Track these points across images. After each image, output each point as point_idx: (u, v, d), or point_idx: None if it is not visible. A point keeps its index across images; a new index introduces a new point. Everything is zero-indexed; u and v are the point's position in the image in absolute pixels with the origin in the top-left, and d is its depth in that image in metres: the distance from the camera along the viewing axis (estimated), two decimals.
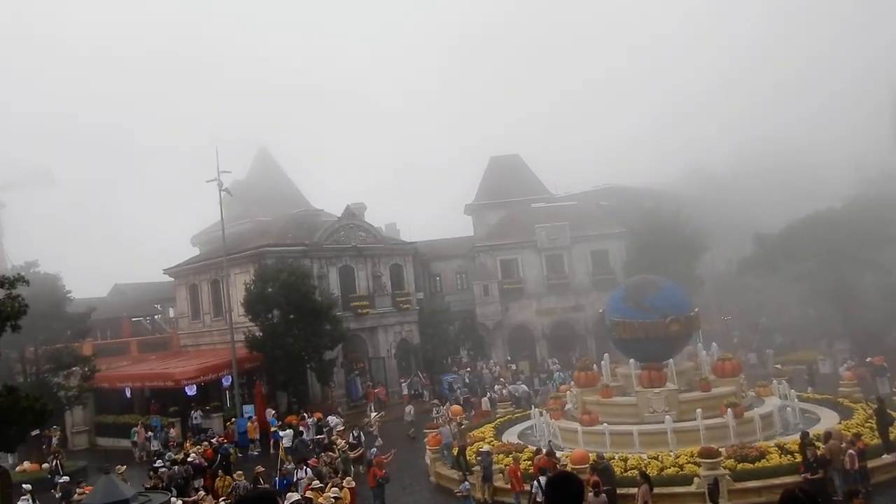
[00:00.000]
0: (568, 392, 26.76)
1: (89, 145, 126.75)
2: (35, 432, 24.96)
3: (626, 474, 18.13)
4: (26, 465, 29.68)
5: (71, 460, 31.61)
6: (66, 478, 23.81)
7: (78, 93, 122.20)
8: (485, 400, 33.43)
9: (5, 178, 64.79)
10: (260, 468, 21.41)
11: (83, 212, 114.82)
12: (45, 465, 29.76)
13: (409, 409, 32.40)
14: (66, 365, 32.33)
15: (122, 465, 24.13)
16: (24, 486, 21.50)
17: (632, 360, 23.94)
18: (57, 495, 22.09)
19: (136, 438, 32.64)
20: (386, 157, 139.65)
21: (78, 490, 21.29)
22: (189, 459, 24.10)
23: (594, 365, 26.87)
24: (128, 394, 38.53)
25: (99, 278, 63.30)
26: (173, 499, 17.70)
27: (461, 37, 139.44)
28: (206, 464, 24.02)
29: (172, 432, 32.81)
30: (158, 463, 24.00)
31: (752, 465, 17.91)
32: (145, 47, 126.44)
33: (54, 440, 33.68)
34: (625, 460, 19.02)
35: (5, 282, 13.13)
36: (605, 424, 21.94)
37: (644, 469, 17.70)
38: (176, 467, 23.15)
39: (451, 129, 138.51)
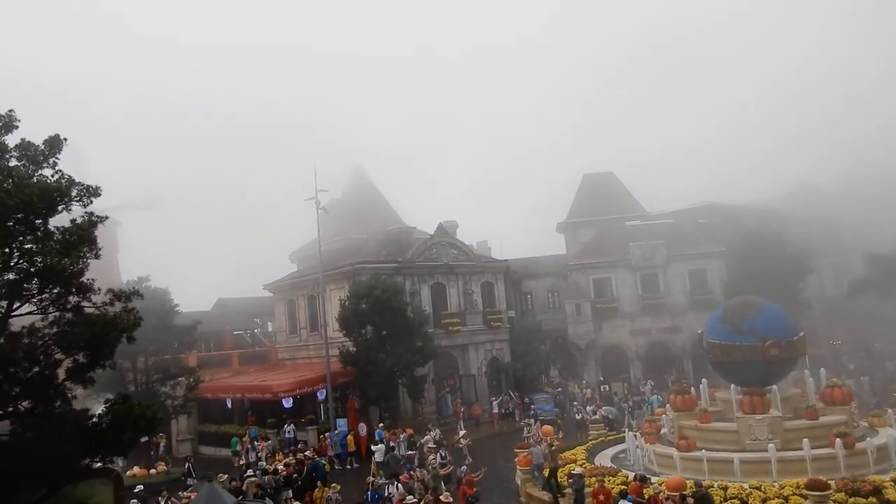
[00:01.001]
0: (663, 416, 25.96)
1: (194, 165, 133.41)
2: (143, 439, 26.25)
3: (725, 503, 17.40)
4: (135, 469, 31.16)
5: (176, 467, 33.12)
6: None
7: (177, 112, 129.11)
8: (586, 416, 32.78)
9: (120, 199, 68.75)
10: (371, 479, 21.80)
11: (189, 229, 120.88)
12: (153, 471, 31.37)
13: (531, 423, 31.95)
14: (173, 375, 34.05)
15: (224, 474, 25.05)
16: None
17: (732, 385, 23.03)
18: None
19: (238, 448, 33.74)
20: (478, 175, 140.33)
21: (183, 495, 22.26)
22: (279, 470, 24.81)
23: (691, 388, 26.00)
24: (229, 404, 40.02)
25: (204, 293, 66.30)
26: None
27: (553, 57, 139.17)
28: (294, 475, 24.58)
29: (271, 443, 33.72)
30: (248, 472, 24.88)
31: (864, 500, 16.80)
32: (239, 70, 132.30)
33: (161, 446, 35.43)
34: (724, 489, 18.24)
35: (122, 295, 13.97)
36: (703, 451, 21.15)
37: (745, 499, 16.93)
38: (266, 477, 23.90)
39: (542, 147, 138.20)
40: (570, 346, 48.08)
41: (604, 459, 24.44)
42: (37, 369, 13.57)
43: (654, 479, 19.60)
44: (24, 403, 13.76)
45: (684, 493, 17.12)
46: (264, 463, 27.75)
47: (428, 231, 45.76)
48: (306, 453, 27.85)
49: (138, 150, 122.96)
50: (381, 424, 33.10)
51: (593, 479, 20.42)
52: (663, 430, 24.79)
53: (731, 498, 17.58)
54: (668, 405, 26.54)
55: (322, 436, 33.73)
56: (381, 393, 35.21)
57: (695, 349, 40.44)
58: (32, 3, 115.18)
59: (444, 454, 25.77)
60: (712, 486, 18.19)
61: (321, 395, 36.83)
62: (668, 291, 48.00)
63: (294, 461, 26.28)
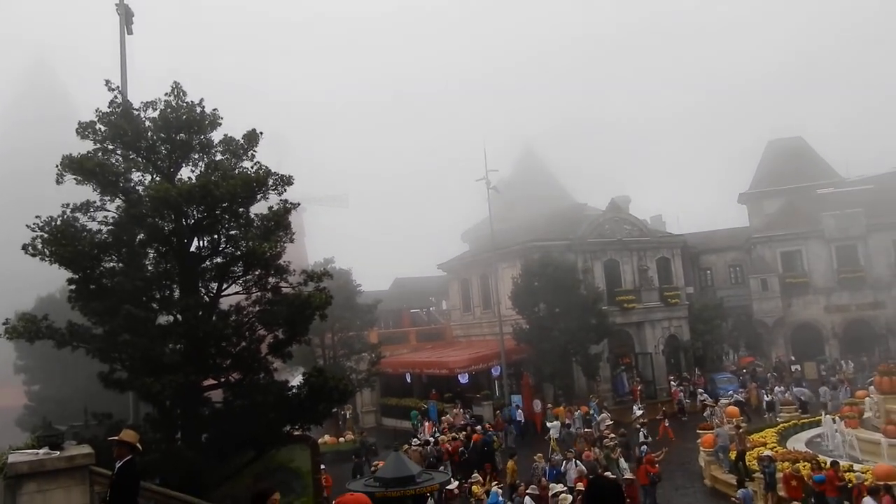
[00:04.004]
0: (867, 399, 23.92)
1: (365, 152, 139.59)
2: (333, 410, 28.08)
3: None
4: (326, 437, 33.36)
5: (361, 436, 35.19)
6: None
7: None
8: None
9: (312, 192, 73.45)
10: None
11: (367, 212, 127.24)
12: (342, 439, 33.48)
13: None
14: (357, 351, 36.22)
15: (406, 445, 26.29)
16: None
17: None
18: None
19: (417, 420, 35.09)
20: (651, 147, 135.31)
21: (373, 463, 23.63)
22: (439, 441, 26.08)
23: None
24: (408, 379, 41.85)
25: (382, 273, 69.54)
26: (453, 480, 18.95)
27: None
28: (461, 448, 25.33)
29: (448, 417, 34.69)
30: (415, 442, 26.33)
31: None
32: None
33: (348, 416, 37.78)
34: None
35: (314, 276, 15.02)
36: None
37: None
38: (429, 447, 25.09)
39: (720, 116, 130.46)
40: (756, 324, 45.38)
41: (797, 444, 22.97)
42: (243, 344, 14.93)
43: (857, 467, 18.17)
44: (234, 375, 15.20)
45: (891, 483, 15.72)
46: (427, 436, 28.76)
47: (599, 207, 44.86)
48: (478, 427, 28.47)
49: (321, 135, 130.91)
50: (597, 400, 33.20)
51: (786, 463, 19.29)
52: (867, 415, 22.86)
53: None
54: (871, 387, 24.49)
55: (497, 411, 34.32)
56: (556, 370, 35.17)
57: None
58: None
59: (646, 433, 25.25)
60: None
61: (496, 372, 37.50)
62: (870, 264, 43.84)
63: (462, 436, 27.03)
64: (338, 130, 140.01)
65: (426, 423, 33.07)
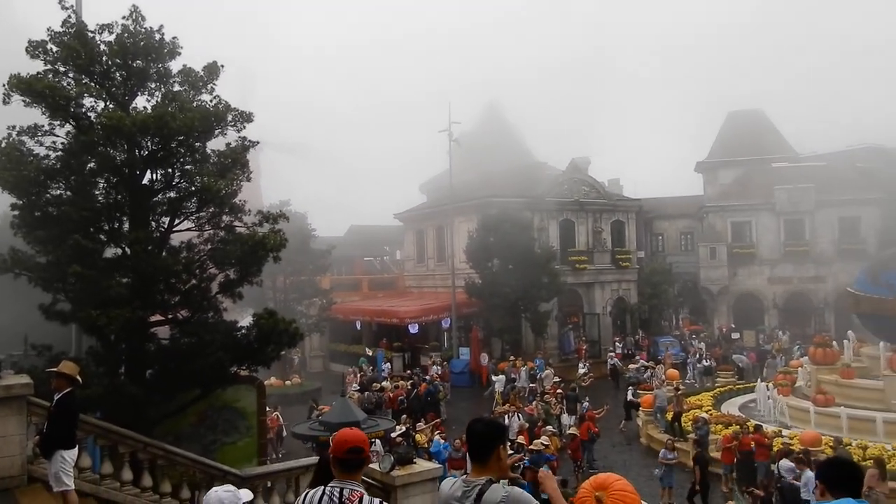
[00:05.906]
0: (800, 368, 24.89)
1: (325, 95, 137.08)
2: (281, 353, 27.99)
3: (865, 463, 16.54)
4: (272, 380, 33.33)
5: (308, 381, 35.37)
6: None
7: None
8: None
9: (274, 140, 71.68)
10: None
11: (326, 157, 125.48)
12: (288, 382, 33.55)
13: None
14: (308, 295, 36.03)
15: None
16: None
17: (882, 343, 21.62)
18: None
19: (363, 365, 35.32)
20: (613, 110, 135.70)
21: (317, 408, 23.77)
22: (383, 388, 26.63)
23: (833, 342, 24.66)
24: (358, 326, 41.97)
25: (338, 219, 69.07)
26: (398, 426, 19.18)
27: None
28: (402, 396, 25.65)
29: (391, 366, 35.12)
30: (354, 387, 26.99)
31: None
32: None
33: (295, 361, 37.78)
34: (864, 448, 17.38)
35: (270, 217, 14.73)
36: (842, 407, 20.13)
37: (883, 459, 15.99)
38: (366, 393, 25.53)
39: (681, 83, 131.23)
40: (701, 291, 46.57)
41: (731, 408, 23.86)
42: (193, 282, 14.64)
43: (785, 433, 18.98)
44: (182, 312, 14.93)
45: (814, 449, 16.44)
46: (385, 384, 29.01)
47: (559, 167, 45.00)
48: (426, 377, 28.85)
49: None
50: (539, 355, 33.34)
51: (720, 426, 20.04)
52: (798, 383, 23.81)
53: (870, 458, 16.69)
54: (805, 358, 25.50)
55: (444, 363, 34.74)
56: (504, 325, 35.68)
57: (840, 301, 38.18)
58: None
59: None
60: (850, 445, 17.37)
61: (446, 324, 37.86)
62: (815, 239, 45.17)
63: (409, 384, 27.34)
64: (306, 74, 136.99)
65: (351, 374, 32.68)
